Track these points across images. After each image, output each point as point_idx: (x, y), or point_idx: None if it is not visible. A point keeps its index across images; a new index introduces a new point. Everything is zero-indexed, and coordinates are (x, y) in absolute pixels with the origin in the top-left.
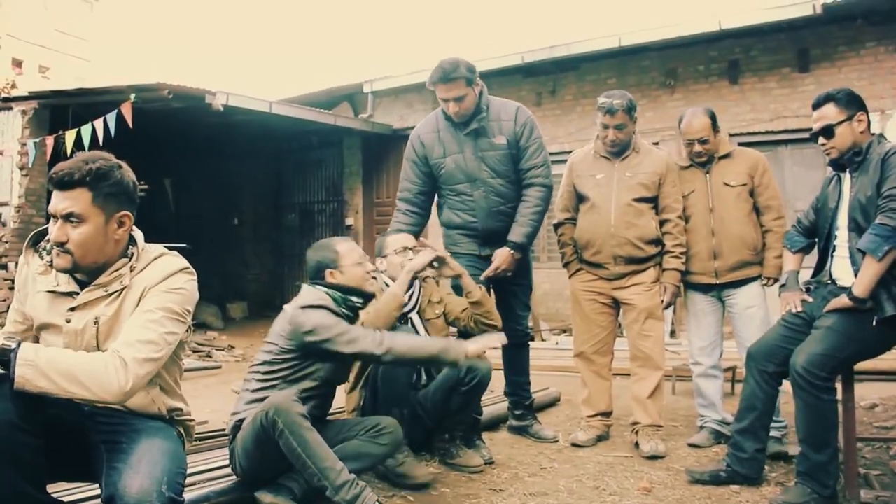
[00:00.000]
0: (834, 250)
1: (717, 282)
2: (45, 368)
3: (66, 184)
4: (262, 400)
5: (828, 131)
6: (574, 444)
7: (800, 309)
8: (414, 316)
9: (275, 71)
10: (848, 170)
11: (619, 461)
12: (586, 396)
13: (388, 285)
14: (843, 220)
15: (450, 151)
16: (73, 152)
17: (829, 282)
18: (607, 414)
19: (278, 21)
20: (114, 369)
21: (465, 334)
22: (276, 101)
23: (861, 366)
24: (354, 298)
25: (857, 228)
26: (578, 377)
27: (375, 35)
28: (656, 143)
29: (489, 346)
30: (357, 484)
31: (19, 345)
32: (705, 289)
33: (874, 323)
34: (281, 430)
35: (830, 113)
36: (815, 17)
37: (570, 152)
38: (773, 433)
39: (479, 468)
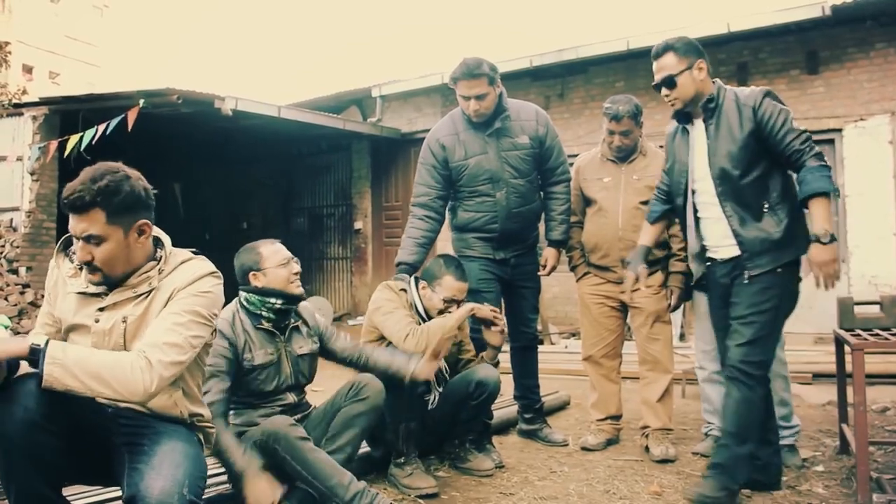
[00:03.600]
0: (697, 210)
1: None
2: (72, 367)
3: (78, 207)
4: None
5: (669, 82)
6: (584, 448)
7: (635, 288)
8: None
9: (283, 75)
10: (701, 119)
11: (629, 465)
12: (595, 400)
13: (419, 311)
14: (702, 172)
15: (472, 152)
16: (78, 156)
17: (701, 249)
18: (617, 417)
19: (287, 26)
20: (139, 370)
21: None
22: (284, 105)
23: (873, 369)
24: (273, 300)
25: (727, 178)
26: (588, 381)
27: (384, 39)
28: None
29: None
30: (368, 492)
31: (48, 343)
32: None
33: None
34: (283, 458)
35: (670, 63)
36: (823, 18)
37: (577, 156)
38: (786, 441)
39: (489, 472)
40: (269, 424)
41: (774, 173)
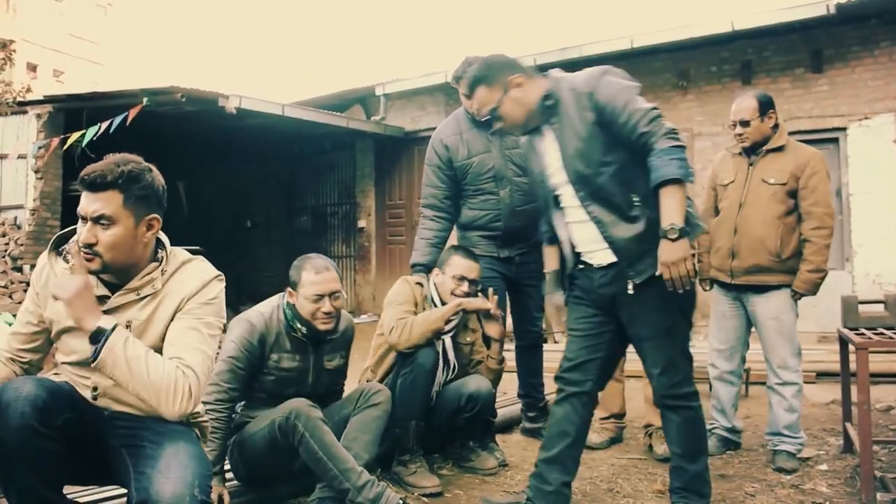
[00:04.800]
0: (566, 216)
1: (732, 282)
2: (125, 361)
3: (97, 186)
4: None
5: (495, 116)
6: (587, 447)
7: (561, 321)
8: (447, 338)
9: (287, 74)
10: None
11: (632, 463)
12: (599, 398)
13: (434, 303)
14: (560, 178)
15: (475, 151)
16: (82, 154)
17: (582, 267)
18: (620, 416)
19: (290, 24)
20: (181, 393)
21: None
22: (288, 103)
23: (877, 368)
24: (300, 325)
25: (583, 178)
26: None
27: (387, 38)
28: None
29: None
30: (378, 483)
31: (114, 329)
32: (725, 288)
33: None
34: (301, 434)
35: (484, 97)
36: (828, 17)
37: None
38: (787, 447)
39: (492, 470)
40: (290, 404)
41: (638, 161)
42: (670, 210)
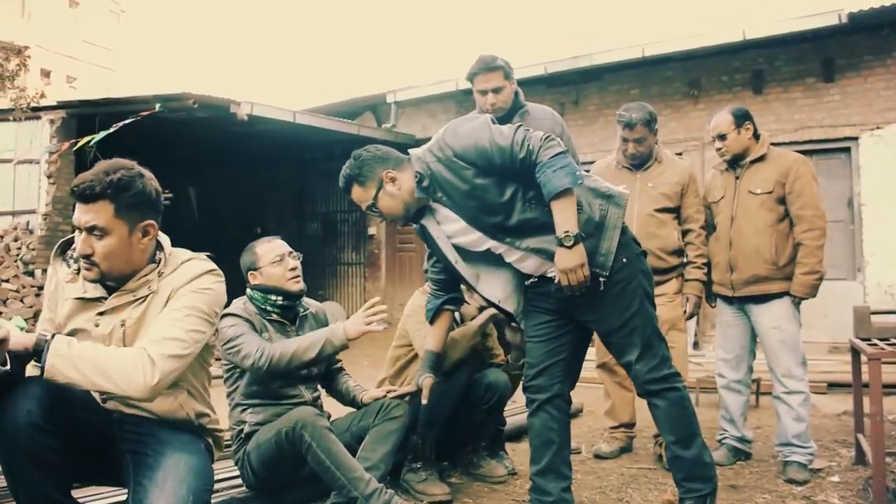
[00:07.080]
0: (504, 259)
1: (734, 295)
2: (74, 360)
3: (87, 197)
4: (242, 406)
5: (373, 211)
6: (597, 456)
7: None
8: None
9: (298, 81)
10: (432, 203)
11: (642, 473)
12: (609, 408)
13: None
14: (475, 237)
15: None
16: (94, 158)
17: (536, 280)
18: (630, 425)
19: (302, 32)
20: (141, 365)
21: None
22: (299, 110)
23: (889, 379)
24: (274, 297)
25: (500, 226)
26: (601, 388)
27: (398, 45)
28: (680, 154)
29: (369, 329)
30: (385, 491)
31: (53, 337)
32: (728, 300)
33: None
34: (308, 444)
35: (360, 196)
36: (840, 26)
37: (592, 163)
38: (798, 458)
39: (502, 479)
40: (296, 414)
41: (527, 177)
42: (564, 218)
